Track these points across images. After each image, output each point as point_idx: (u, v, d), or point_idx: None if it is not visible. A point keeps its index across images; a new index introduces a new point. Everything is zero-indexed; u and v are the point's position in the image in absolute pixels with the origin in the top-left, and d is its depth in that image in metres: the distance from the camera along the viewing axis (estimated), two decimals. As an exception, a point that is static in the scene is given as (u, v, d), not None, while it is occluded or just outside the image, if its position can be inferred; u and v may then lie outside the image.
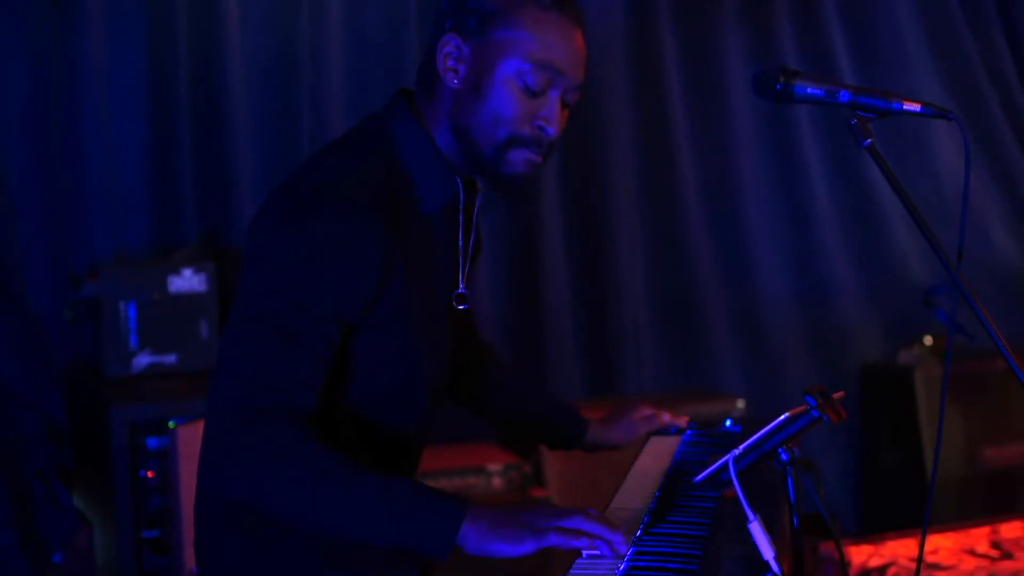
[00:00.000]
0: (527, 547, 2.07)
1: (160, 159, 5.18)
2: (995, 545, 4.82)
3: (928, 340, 6.05)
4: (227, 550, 2.44)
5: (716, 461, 2.14)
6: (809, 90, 2.39)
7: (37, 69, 4.99)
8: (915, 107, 2.34)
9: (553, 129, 2.37)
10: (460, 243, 2.50)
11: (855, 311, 6.38)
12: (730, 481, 2.06)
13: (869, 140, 2.30)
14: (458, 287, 2.52)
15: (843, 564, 2.36)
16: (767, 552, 1.97)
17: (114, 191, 5.10)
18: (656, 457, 2.83)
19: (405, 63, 5.50)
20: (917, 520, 5.57)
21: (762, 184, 6.25)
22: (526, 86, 2.33)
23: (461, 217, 2.48)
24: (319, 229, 2.23)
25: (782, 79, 2.38)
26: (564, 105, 2.40)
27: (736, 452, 2.07)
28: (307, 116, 5.37)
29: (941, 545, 4.78)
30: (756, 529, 1.98)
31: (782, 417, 2.06)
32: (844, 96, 2.35)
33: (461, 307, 2.54)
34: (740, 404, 5.38)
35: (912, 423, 5.88)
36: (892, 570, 4.68)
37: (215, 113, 5.25)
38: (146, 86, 5.19)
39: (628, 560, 2.10)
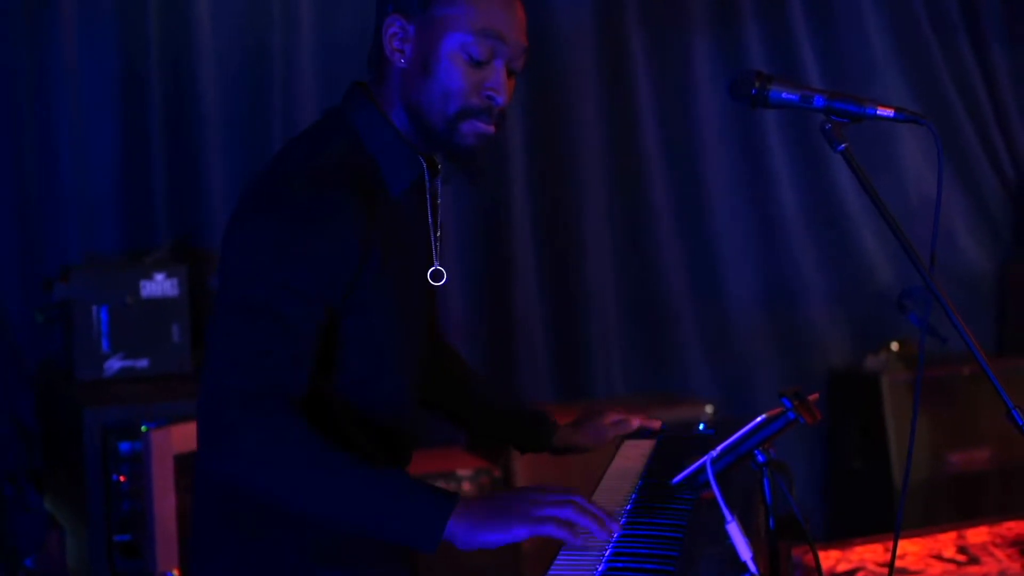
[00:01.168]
0: (518, 533, 2.10)
1: (132, 162, 5.18)
2: (962, 550, 4.83)
3: (895, 346, 6.08)
4: (223, 545, 2.44)
5: (692, 463, 2.15)
6: (784, 95, 2.41)
7: (8, 70, 4.98)
8: (888, 112, 2.37)
9: (501, 97, 2.41)
10: (430, 220, 2.53)
11: (822, 316, 6.41)
12: (707, 483, 2.07)
13: (843, 144, 2.33)
14: (432, 264, 2.55)
15: (818, 567, 2.37)
16: (744, 553, 1.98)
17: (85, 194, 5.09)
18: (631, 460, 2.85)
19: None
20: (883, 525, 5.59)
21: (730, 189, 6.27)
22: (471, 57, 2.37)
23: (428, 196, 2.51)
24: (294, 211, 2.26)
25: (757, 84, 2.41)
26: (510, 73, 2.44)
27: (713, 454, 2.08)
28: (279, 119, 5.37)
29: (908, 550, 4.79)
30: (734, 530, 1.99)
31: (758, 419, 2.08)
32: (819, 101, 2.38)
33: (438, 283, 2.57)
34: (708, 409, 5.40)
35: (879, 428, 5.90)
36: (860, 575, 4.69)
37: (187, 116, 5.24)
38: (118, 88, 5.18)
39: (606, 561, 2.12)
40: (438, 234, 2.54)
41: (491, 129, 2.43)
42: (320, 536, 2.32)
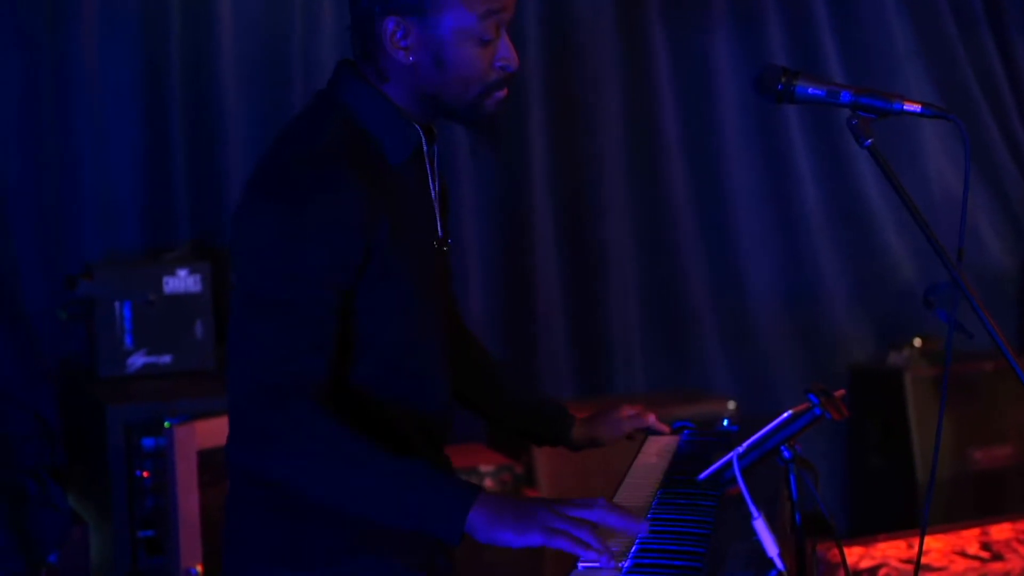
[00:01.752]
0: (532, 539, 2.10)
1: (153, 160, 5.19)
2: (985, 547, 4.82)
3: (918, 342, 6.06)
4: (256, 533, 2.45)
5: (717, 459, 2.15)
6: (810, 90, 2.41)
7: (31, 70, 4.99)
8: (916, 108, 2.36)
9: (513, 64, 2.43)
10: (432, 189, 2.53)
11: (845, 312, 6.40)
12: (732, 479, 2.07)
13: (870, 140, 2.33)
14: (437, 233, 2.55)
15: (844, 564, 2.37)
16: (771, 549, 1.98)
17: (107, 192, 5.10)
18: (655, 456, 2.85)
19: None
20: (906, 521, 5.58)
21: (752, 185, 6.26)
22: (481, 40, 2.38)
23: (427, 164, 2.51)
24: (295, 197, 2.27)
25: (783, 79, 2.41)
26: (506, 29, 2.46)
27: (740, 450, 2.08)
28: (299, 115, 5.37)
29: (932, 546, 4.77)
30: (760, 526, 1.99)
31: (785, 415, 2.08)
32: (845, 96, 2.37)
33: (443, 248, 2.57)
34: (731, 405, 5.40)
35: (902, 424, 5.89)
36: (883, 571, 4.68)
37: (208, 114, 5.25)
38: (139, 87, 5.19)
39: (632, 557, 2.12)
40: (438, 202, 2.54)
41: (505, 92, 2.45)
42: (353, 524, 2.31)
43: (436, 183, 2.54)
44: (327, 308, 2.27)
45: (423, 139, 2.48)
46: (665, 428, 3.03)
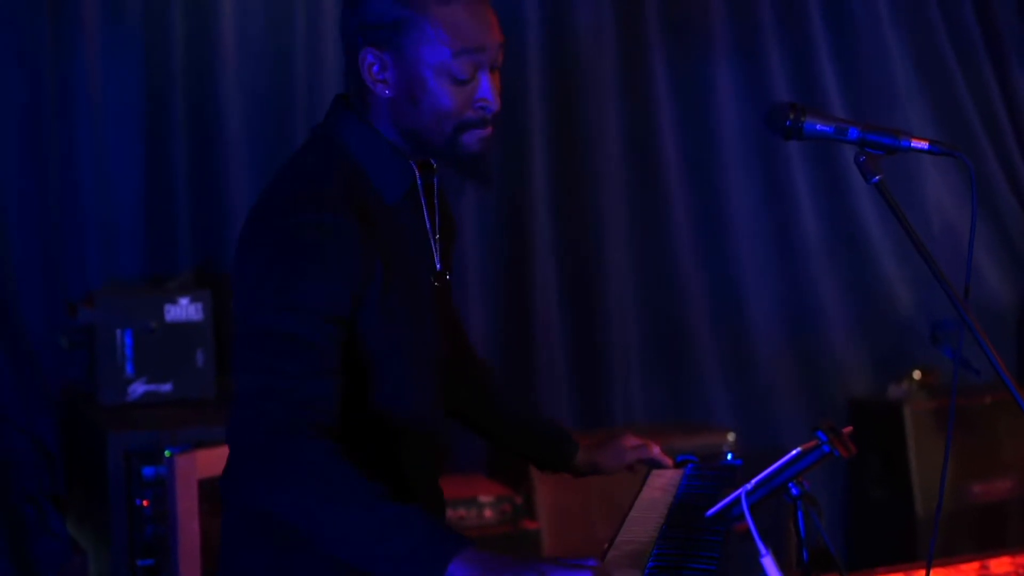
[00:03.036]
0: None
1: (155, 187, 5.19)
2: (985, 580, 4.81)
3: (917, 374, 6.06)
4: (250, 562, 2.45)
5: (723, 495, 2.14)
6: (818, 127, 2.41)
7: (33, 94, 4.99)
8: (923, 144, 2.36)
9: (493, 105, 2.43)
10: (427, 224, 2.53)
11: (844, 344, 6.40)
12: (740, 515, 2.07)
13: (878, 176, 2.33)
14: (435, 267, 2.55)
15: (850, 599, 2.37)
16: (779, 586, 1.98)
17: (108, 218, 5.10)
18: (659, 490, 2.84)
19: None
20: (904, 555, 5.57)
21: (752, 215, 6.27)
22: (455, 79, 2.38)
23: (423, 199, 2.52)
24: (292, 231, 2.28)
25: (792, 115, 2.41)
26: (492, 71, 2.45)
27: (748, 487, 2.07)
28: (301, 141, 5.36)
29: (930, 581, 4.77)
30: (769, 564, 1.99)
31: (793, 452, 2.08)
32: (853, 133, 2.38)
33: (440, 284, 2.57)
34: (730, 437, 5.39)
35: (901, 457, 5.88)
36: (883, 604, 4.68)
37: (211, 140, 5.26)
38: (142, 113, 5.20)
39: (640, 594, 2.12)
40: (437, 236, 2.55)
41: (489, 131, 2.44)
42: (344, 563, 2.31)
43: (436, 217, 2.54)
44: (330, 338, 2.27)
45: (418, 176, 2.48)
46: (668, 460, 3.03)
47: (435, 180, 2.55)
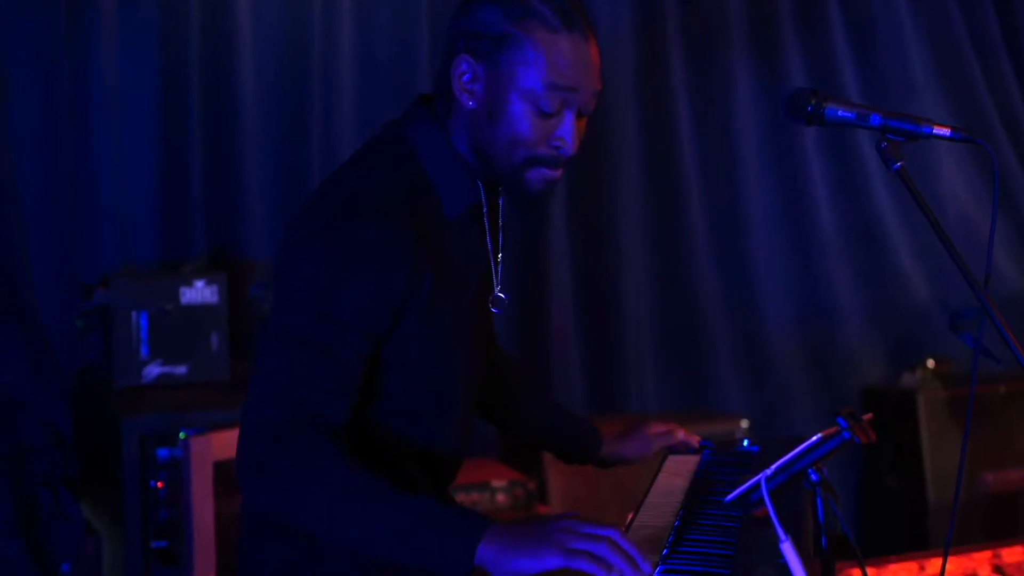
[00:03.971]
0: (550, 562, 2.06)
1: (171, 170, 5.19)
2: (997, 569, 4.82)
3: (931, 363, 6.05)
4: (270, 555, 2.45)
5: (740, 480, 2.14)
6: (840, 113, 2.41)
7: (49, 81, 5.00)
8: (945, 132, 2.36)
9: (569, 148, 2.39)
10: (489, 245, 2.52)
11: (858, 333, 6.40)
12: (759, 501, 2.07)
13: (899, 163, 2.32)
14: (492, 290, 2.55)
15: (867, 585, 2.37)
16: (798, 572, 1.97)
17: (124, 203, 5.11)
18: (676, 476, 2.84)
19: (415, 81, 5.52)
20: (916, 543, 5.58)
21: (767, 206, 6.26)
22: (540, 109, 2.35)
23: (486, 220, 2.50)
24: (345, 241, 2.26)
25: (813, 101, 2.41)
26: (580, 115, 2.42)
27: (768, 472, 2.07)
28: (317, 130, 5.38)
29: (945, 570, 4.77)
30: (788, 549, 1.98)
31: (814, 438, 2.07)
32: (875, 119, 2.37)
33: (496, 310, 2.57)
34: (744, 424, 5.39)
35: (914, 446, 5.88)
36: (895, 592, 4.68)
37: (226, 125, 5.26)
38: (158, 98, 5.20)
39: (658, 577, 2.12)
40: (499, 257, 2.54)
41: (557, 174, 2.42)
42: (365, 555, 2.31)
43: (499, 236, 2.54)
44: (358, 355, 2.26)
45: (483, 195, 2.47)
46: (695, 440, 3.03)
47: (500, 201, 2.54)
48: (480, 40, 2.37)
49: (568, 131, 2.38)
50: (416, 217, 2.32)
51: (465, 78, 2.39)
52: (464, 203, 2.44)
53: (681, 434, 3.03)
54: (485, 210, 2.49)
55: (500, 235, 2.54)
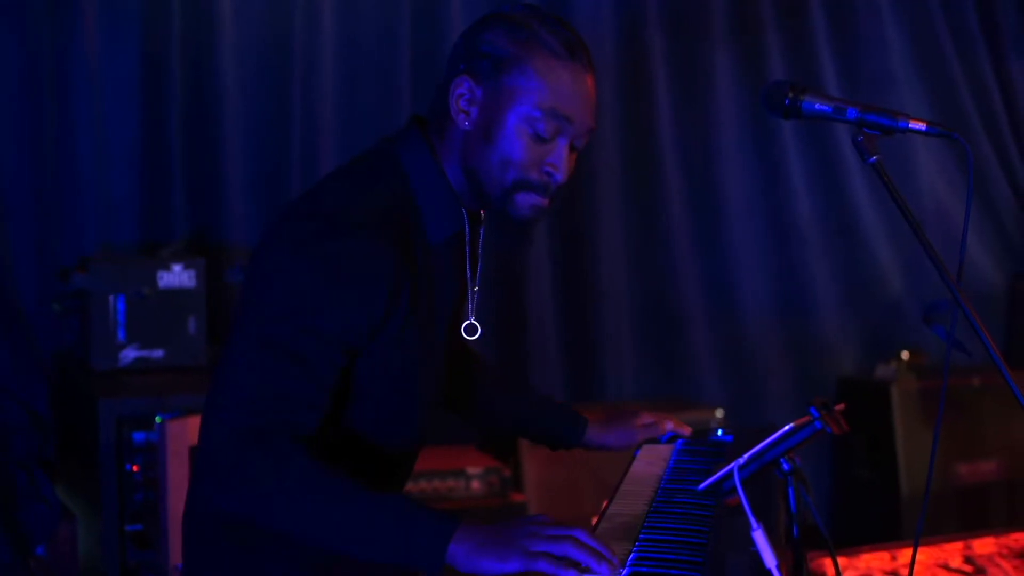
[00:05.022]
0: (513, 566, 2.08)
1: (151, 154, 5.19)
2: (968, 560, 4.84)
3: (905, 355, 6.09)
4: (216, 560, 2.47)
5: (714, 469, 2.16)
6: (817, 106, 2.42)
7: (30, 63, 4.99)
8: (921, 126, 2.36)
9: (560, 175, 2.40)
10: (468, 273, 2.54)
11: (834, 324, 6.43)
12: (732, 490, 2.08)
13: (875, 157, 2.33)
14: (467, 317, 2.57)
15: (838, 574, 2.38)
16: (770, 560, 1.99)
17: (104, 185, 5.11)
18: (651, 464, 2.85)
19: (396, 66, 5.53)
20: (889, 533, 5.60)
21: (745, 196, 6.29)
22: (536, 133, 2.36)
23: (468, 248, 2.52)
24: (331, 254, 2.27)
25: (790, 94, 2.41)
26: (572, 148, 2.44)
27: (740, 461, 2.09)
28: (298, 115, 5.38)
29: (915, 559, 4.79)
30: (760, 537, 2.00)
31: (786, 428, 2.09)
32: (852, 113, 2.38)
33: (472, 337, 2.60)
34: (719, 414, 5.41)
35: (888, 437, 5.91)
36: (867, 582, 4.70)
37: (207, 110, 5.26)
38: (138, 81, 5.19)
39: (630, 565, 2.13)
40: (475, 287, 2.55)
41: (546, 202, 2.43)
42: (310, 550, 2.32)
43: (478, 265, 2.54)
44: (333, 368, 2.27)
45: (467, 224, 2.48)
46: (687, 430, 3.05)
47: (481, 231, 2.55)
48: (483, 60, 2.39)
49: (560, 158, 2.39)
50: (401, 237, 2.33)
51: (463, 100, 2.40)
52: (448, 230, 2.46)
53: (669, 424, 3.05)
54: (468, 239, 2.50)
55: (480, 264, 2.55)
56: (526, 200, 2.41)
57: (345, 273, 2.26)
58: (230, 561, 2.45)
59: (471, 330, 2.58)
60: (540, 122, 2.35)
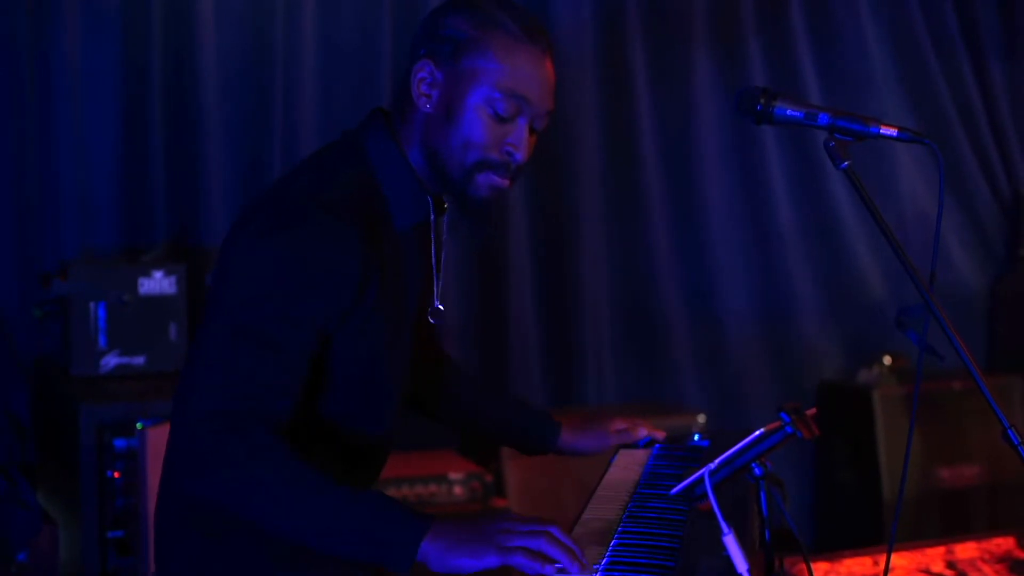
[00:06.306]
0: (488, 561, 2.09)
1: (131, 159, 5.19)
2: (950, 565, 4.86)
3: (887, 359, 6.09)
4: (185, 550, 2.48)
5: (689, 474, 2.17)
6: (789, 112, 2.43)
7: (11, 66, 4.98)
8: (892, 132, 2.38)
9: (520, 154, 2.44)
10: (433, 260, 2.56)
11: (815, 329, 6.43)
12: (704, 495, 2.09)
13: (847, 162, 2.35)
14: (432, 303, 2.60)
15: (811, 578, 2.39)
16: (741, 565, 1.99)
17: (84, 190, 5.10)
18: (626, 469, 2.86)
19: (377, 68, 5.53)
20: (871, 538, 5.61)
21: (727, 201, 6.29)
22: (495, 113, 2.40)
23: (433, 235, 2.55)
24: (300, 239, 2.28)
25: (762, 100, 2.43)
26: (532, 131, 2.48)
27: (711, 466, 2.10)
28: (279, 119, 5.38)
29: (897, 564, 4.81)
30: (730, 542, 2.01)
31: (756, 432, 2.10)
32: (823, 119, 2.39)
33: (434, 321, 2.62)
34: (700, 419, 5.41)
35: (870, 442, 5.91)
36: (848, 587, 4.72)
37: (187, 114, 5.26)
38: (119, 85, 5.19)
39: (603, 571, 2.13)
40: (440, 273, 2.58)
41: (506, 183, 2.46)
42: (279, 542, 2.32)
43: (443, 254, 2.57)
44: (305, 353, 2.29)
45: (432, 210, 2.51)
46: (661, 434, 3.06)
47: (445, 219, 2.58)
48: (443, 44, 2.43)
49: (520, 138, 2.44)
50: (368, 223, 2.36)
51: (425, 83, 2.44)
52: (414, 217, 2.49)
53: (643, 431, 3.06)
54: (433, 225, 2.54)
55: (444, 251, 2.59)
56: (486, 180, 2.44)
57: (313, 257, 2.28)
58: (199, 552, 2.45)
59: (436, 315, 2.61)
60: (500, 102, 2.40)
